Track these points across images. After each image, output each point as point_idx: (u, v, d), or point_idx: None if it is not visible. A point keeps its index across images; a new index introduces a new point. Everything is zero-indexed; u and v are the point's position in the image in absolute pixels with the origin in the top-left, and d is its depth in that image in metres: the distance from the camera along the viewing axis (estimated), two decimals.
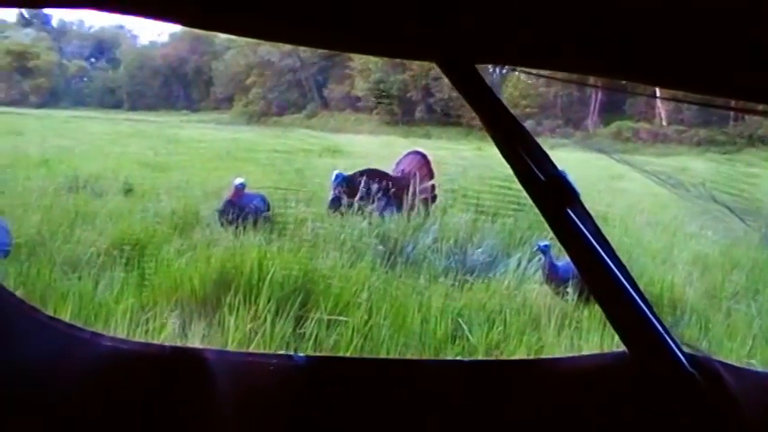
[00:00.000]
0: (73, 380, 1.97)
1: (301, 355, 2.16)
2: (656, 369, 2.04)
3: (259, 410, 1.99)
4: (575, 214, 1.90)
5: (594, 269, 1.96)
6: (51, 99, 21.97)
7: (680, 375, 1.98)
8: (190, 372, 2.01)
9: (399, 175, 10.18)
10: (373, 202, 9.24)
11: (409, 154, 10.80)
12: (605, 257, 1.92)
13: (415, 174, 10.13)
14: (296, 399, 2.03)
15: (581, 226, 1.90)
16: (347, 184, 9.48)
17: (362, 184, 9.44)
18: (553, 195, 1.90)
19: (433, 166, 10.51)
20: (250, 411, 1.98)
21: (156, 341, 5.64)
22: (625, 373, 2.10)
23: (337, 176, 9.53)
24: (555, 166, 1.90)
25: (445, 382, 2.14)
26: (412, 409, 2.06)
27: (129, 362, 2.04)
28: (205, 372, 1.99)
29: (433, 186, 10.24)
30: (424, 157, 10.63)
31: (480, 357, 5.83)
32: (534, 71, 2.16)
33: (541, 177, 1.88)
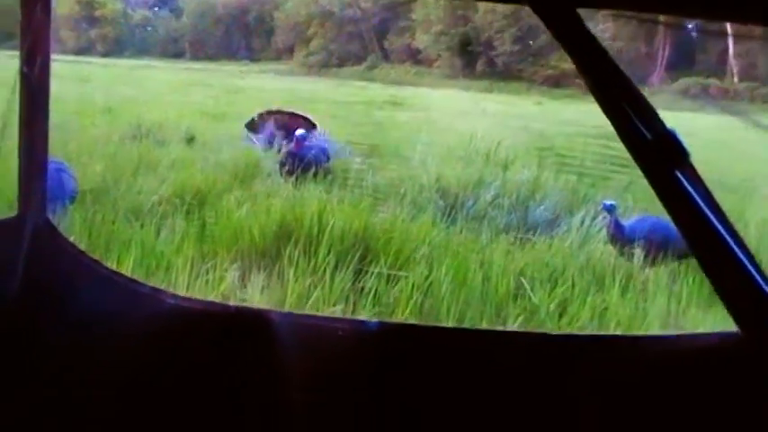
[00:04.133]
0: (134, 336, 1.93)
1: (375, 321, 2.08)
2: None
3: (325, 375, 1.92)
4: (684, 177, 1.74)
5: (704, 237, 1.79)
6: (116, 48, 22.20)
7: None
8: (254, 333, 1.95)
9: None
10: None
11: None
12: (717, 225, 1.75)
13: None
14: (365, 365, 1.94)
15: (690, 190, 1.74)
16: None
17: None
18: (660, 155, 1.74)
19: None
20: (316, 376, 1.91)
21: (216, 292, 5.68)
22: (736, 355, 1.94)
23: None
24: (663, 124, 1.74)
25: (525, 356, 2.02)
26: (488, 381, 1.96)
27: (192, 320, 2.00)
28: (270, 334, 1.93)
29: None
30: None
31: (548, 319, 5.70)
32: (638, 15, 2.01)
33: (647, 135, 1.73)
